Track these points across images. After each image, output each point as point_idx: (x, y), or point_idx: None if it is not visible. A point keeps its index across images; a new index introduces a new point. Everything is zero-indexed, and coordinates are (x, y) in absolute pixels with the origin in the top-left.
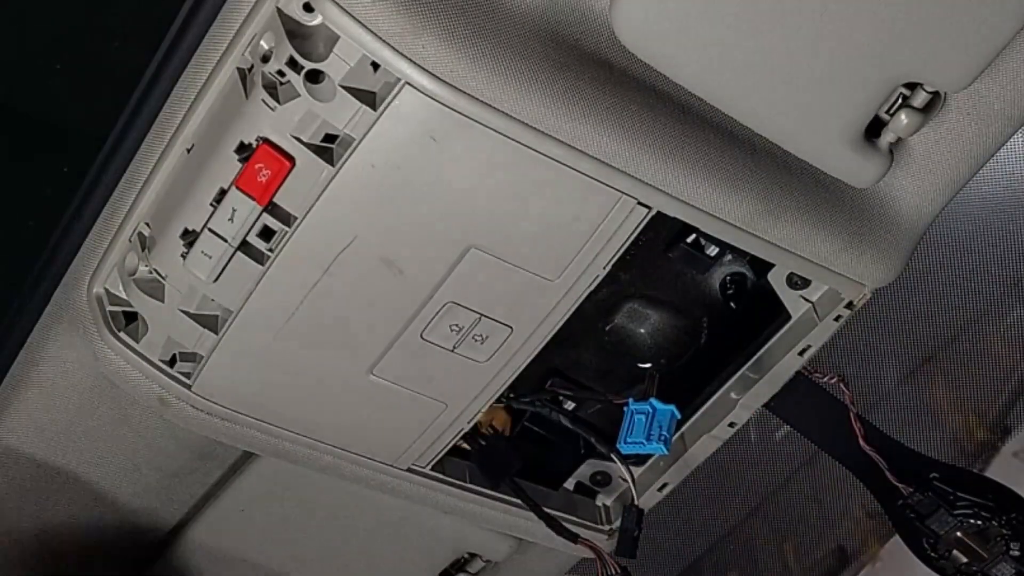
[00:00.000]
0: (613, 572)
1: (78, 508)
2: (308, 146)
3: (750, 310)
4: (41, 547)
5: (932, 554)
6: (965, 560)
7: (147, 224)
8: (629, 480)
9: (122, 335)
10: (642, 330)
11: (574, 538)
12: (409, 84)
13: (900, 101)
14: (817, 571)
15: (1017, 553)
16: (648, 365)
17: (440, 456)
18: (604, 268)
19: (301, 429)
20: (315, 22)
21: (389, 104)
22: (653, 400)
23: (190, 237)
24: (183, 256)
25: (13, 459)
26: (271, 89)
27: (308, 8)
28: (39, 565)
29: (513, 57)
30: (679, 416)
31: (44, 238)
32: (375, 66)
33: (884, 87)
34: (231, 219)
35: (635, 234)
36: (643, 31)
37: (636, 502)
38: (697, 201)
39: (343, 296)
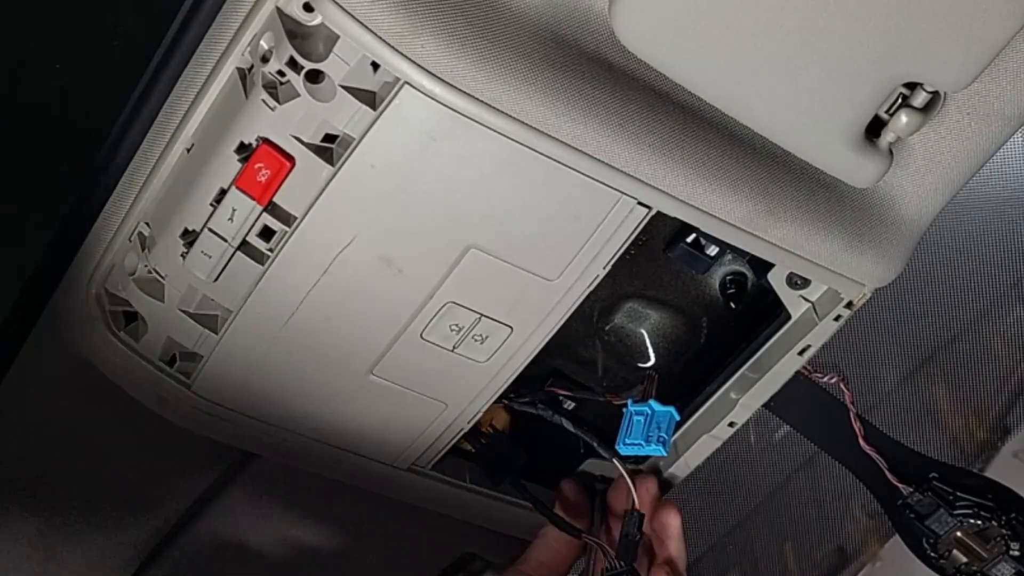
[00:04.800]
0: (618, 567)
1: (78, 508)
2: (308, 146)
3: (750, 310)
4: (41, 547)
5: (932, 554)
6: (965, 560)
7: (147, 224)
8: (629, 484)
9: (122, 335)
10: (642, 330)
11: (578, 534)
12: (409, 84)
13: (900, 101)
14: (817, 571)
15: (1017, 553)
16: (648, 365)
17: (441, 456)
18: (604, 268)
19: (301, 429)
20: (315, 22)
21: (389, 104)
22: (652, 402)
23: (190, 237)
24: (183, 256)
25: (14, 459)
26: (271, 89)
27: (308, 8)
28: (39, 565)
29: (513, 57)
30: (678, 417)
31: (44, 238)
32: (375, 66)
33: (884, 87)
34: (231, 219)
35: (635, 234)
36: (643, 31)
37: (636, 506)
38: (697, 201)
39: (343, 296)
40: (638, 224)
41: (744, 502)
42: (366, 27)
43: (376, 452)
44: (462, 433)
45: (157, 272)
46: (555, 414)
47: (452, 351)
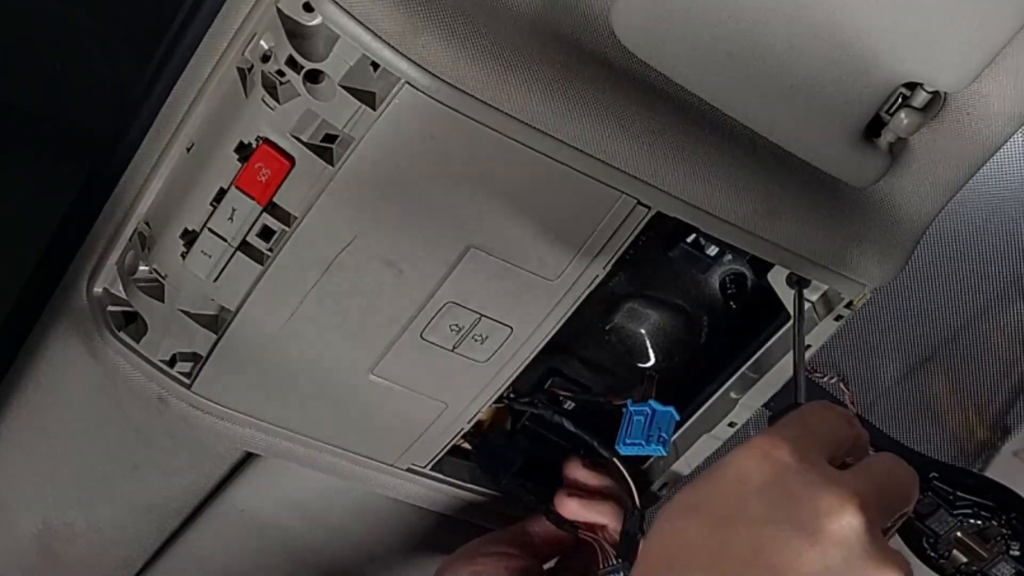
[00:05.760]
0: (615, 563)
1: (77, 508)
2: (308, 146)
3: (750, 310)
4: (41, 547)
5: (932, 554)
6: (965, 560)
7: (147, 224)
8: (630, 484)
9: (122, 335)
10: (642, 330)
11: (573, 531)
12: (409, 83)
13: (900, 101)
14: None
15: (1017, 553)
16: (648, 365)
17: (440, 456)
18: (604, 268)
19: (300, 429)
20: (315, 22)
21: (389, 104)
22: (652, 401)
23: (190, 237)
24: (183, 256)
25: (13, 459)
26: (271, 89)
27: (308, 8)
28: (39, 565)
29: (513, 56)
30: (678, 417)
31: (44, 238)
32: (375, 66)
33: (884, 87)
34: (231, 219)
35: (635, 234)
36: (643, 31)
37: (637, 505)
38: (697, 201)
39: (343, 296)
40: (638, 224)
41: None
42: (366, 27)
43: (376, 452)
44: (462, 433)
45: (157, 272)
46: (555, 414)
47: (452, 351)
